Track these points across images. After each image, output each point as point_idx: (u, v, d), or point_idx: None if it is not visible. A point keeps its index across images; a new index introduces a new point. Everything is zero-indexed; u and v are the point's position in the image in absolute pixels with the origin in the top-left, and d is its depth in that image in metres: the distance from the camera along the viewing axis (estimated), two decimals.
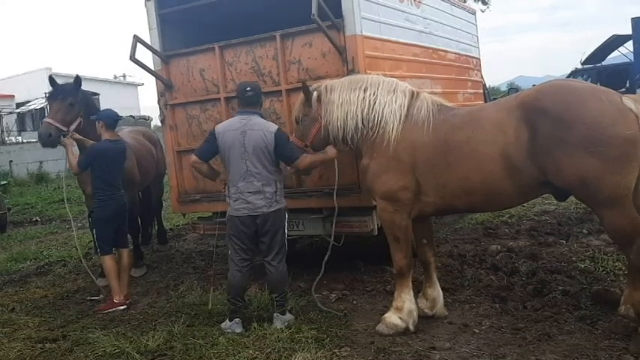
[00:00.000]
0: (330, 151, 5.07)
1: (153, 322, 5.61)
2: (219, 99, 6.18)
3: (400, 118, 4.56)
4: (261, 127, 4.98)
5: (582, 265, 5.80)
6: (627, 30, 19.57)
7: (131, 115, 26.55)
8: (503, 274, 5.84)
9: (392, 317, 4.76)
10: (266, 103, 5.96)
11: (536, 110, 4.01)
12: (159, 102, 6.63)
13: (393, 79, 4.87)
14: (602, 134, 3.79)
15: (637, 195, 3.95)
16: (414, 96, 4.66)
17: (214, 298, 5.93)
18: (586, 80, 20.84)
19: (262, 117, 5.17)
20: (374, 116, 4.63)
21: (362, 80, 4.82)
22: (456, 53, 8.09)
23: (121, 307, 6.09)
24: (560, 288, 5.20)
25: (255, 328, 4.97)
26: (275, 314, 5.13)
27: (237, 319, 5.12)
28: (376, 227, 5.81)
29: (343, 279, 6.19)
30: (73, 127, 6.40)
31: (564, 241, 6.83)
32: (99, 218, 6.18)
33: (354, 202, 5.63)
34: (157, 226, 9.21)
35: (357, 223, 5.73)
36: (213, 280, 6.78)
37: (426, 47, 7.16)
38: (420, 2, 7.08)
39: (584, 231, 7.19)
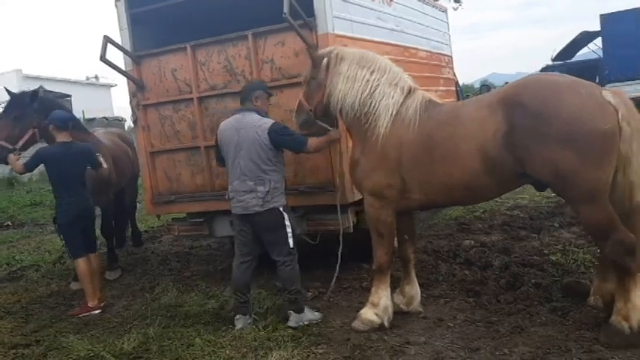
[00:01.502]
0: (335, 132, 5.07)
1: (128, 324, 5.56)
2: (192, 99, 6.14)
3: (391, 115, 4.56)
4: (255, 125, 4.94)
5: (553, 258, 5.91)
6: (596, 26, 19.97)
7: (105, 117, 26.18)
8: (476, 269, 5.92)
9: (367, 313, 4.78)
10: (239, 103, 5.95)
11: (516, 104, 4.01)
12: (131, 103, 6.57)
13: (399, 69, 4.83)
14: (579, 128, 3.79)
15: (615, 189, 3.95)
16: (409, 93, 4.67)
17: (190, 300, 5.92)
18: None
19: (260, 114, 5.07)
20: (370, 103, 4.61)
21: (372, 60, 4.75)
22: (427, 51, 8.16)
23: (96, 312, 6.02)
24: (532, 281, 5.28)
25: (231, 328, 4.97)
26: (289, 312, 5.09)
27: (239, 315, 5.11)
28: (352, 225, 5.84)
29: (319, 277, 6.20)
30: (22, 141, 6.40)
31: (536, 235, 6.95)
32: (62, 223, 6.11)
33: (329, 201, 5.65)
34: (131, 228, 9.12)
35: (332, 221, 5.75)
36: (191, 281, 6.80)
37: (398, 45, 7.21)
38: (391, 1, 7.13)
39: (555, 224, 7.32)
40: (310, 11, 5.48)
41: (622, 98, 3.94)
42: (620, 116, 3.81)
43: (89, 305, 6.06)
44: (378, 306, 4.77)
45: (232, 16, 6.63)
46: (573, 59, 23.03)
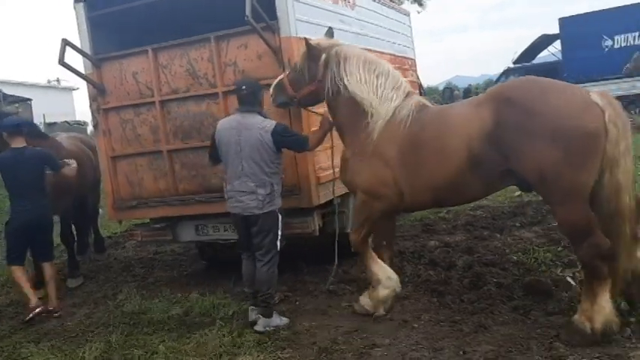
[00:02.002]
0: (326, 121, 5.10)
1: (90, 333, 5.47)
2: (153, 102, 6.05)
3: (388, 117, 4.60)
4: (258, 127, 4.90)
5: (515, 258, 6.01)
6: (556, 29, 20.47)
7: (66, 121, 25.64)
8: (440, 269, 5.98)
9: (379, 290, 4.88)
10: (203, 106, 5.92)
11: (504, 101, 4.04)
12: (91, 106, 6.45)
13: (397, 72, 4.88)
14: (565, 126, 3.80)
15: (602, 189, 3.93)
16: (407, 96, 4.70)
17: (154, 306, 5.83)
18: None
19: (262, 114, 5.06)
20: (375, 108, 4.63)
21: (376, 63, 4.79)
22: (391, 54, 8.21)
23: (37, 310, 5.87)
24: (494, 280, 5.36)
25: (196, 334, 4.91)
26: (257, 316, 5.03)
27: (251, 307, 5.13)
28: (317, 228, 5.85)
29: (286, 280, 6.18)
30: None
31: (498, 235, 7.06)
32: (9, 229, 6.02)
33: (295, 204, 5.64)
34: (93, 235, 8.94)
35: (298, 224, 5.74)
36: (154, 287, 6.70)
37: (363, 49, 7.23)
38: (354, 4, 7.16)
39: (516, 224, 7.46)
40: (273, 14, 5.46)
41: (609, 100, 3.94)
42: (606, 117, 3.81)
43: (30, 306, 5.92)
44: (381, 281, 4.87)
45: (195, 19, 6.56)
46: (534, 62, 23.54)
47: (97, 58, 6.27)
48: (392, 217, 5.13)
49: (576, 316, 4.09)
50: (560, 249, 6.08)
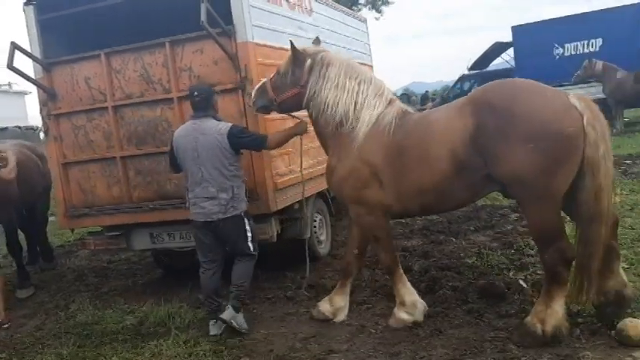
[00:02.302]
0: (302, 125, 5.08)
1: (41, 345, 5.33)
2: (106, 108, 5.93)
3: (371, 124, 4.56)
4: (214, 131, 4.88)
5: (470, 261, 6.11)
6: (509, 37, 20.98)
7: (17, 126, 24.82)
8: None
9: (399, 312, 4.77)
10: (157, 111, 5.83)
11: (483, 104, 4.04)
12: (41, 112, 6.28)
13: (380, 79, 4.84)
14: (543, 129, 3.79)
15: (582, 192, 3.92)
16: (390, 103, 4.66)
17: (107, 316, 5.70)
18: (473, 85, 22.19)
19: (216, 118, 5.03)
20: (357, 115, 4.59)
21: (357, 70, 4.74)
22: None
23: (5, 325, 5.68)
24: (449, 284, 5.43)
25: (150, 344, 4.82)
26: (228, 306, 4.96)
27: (212, 321, 5.04)
28: (275, 234, 5.82)
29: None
30: None
31: (454, 239, 7.16)
32: None
33: (253, 210, 5.59)
34: (41, 244, 8.65)
35: (257, 230, 5.71)
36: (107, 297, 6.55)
37: None
38: (311, 11, 7.19)
39: (471, 228, 7.57)
40: (229, 19, 5.43)
41: (587, 103, 3.94)
42: (585, 121, 3.80)
43: None
44: (405, 304, 4.75)
45: (151, 24, 6.45)
46: (488, 69, 24.08)
47: (48, 62, 6.11)
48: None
49: (528, 318, 4.16)
50: (512, 252, 6.21)
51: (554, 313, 4.01)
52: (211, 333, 4.97)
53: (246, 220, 5.04)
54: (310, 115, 4.93)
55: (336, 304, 5.08)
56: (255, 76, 5.46)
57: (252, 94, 5.07)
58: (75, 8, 5.94)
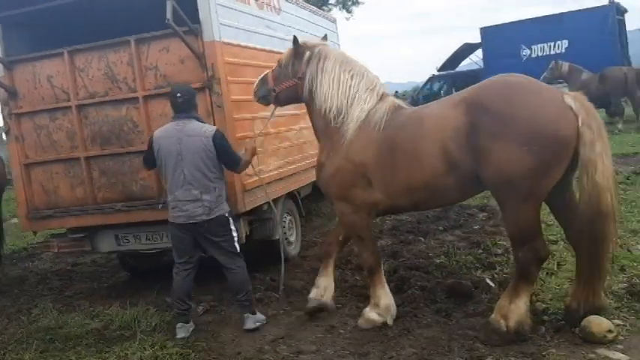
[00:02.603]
0: (250, 154, 5.10)
1: (2, 350, 5.14)
2: (70, 107, 5.79)
3: (360, 120, 4.54)
4: (199, 133, 4.81)
5: (438, 261, 6.14)
6: (478, 38, 21.28)
7: None
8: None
9: (370, 313, 4.74)
10: (122, 111, 5.72)
11: (477, 103, 4.00)
12: (2, 111, 6.12)
13: (374, 74, 4.79)
14: (537, 132, 3.75)
15: (581, 194, 3.90)
16: (381, 98, 4.64)
17: (71, 320, 5.57)
18: (442, 86, 22.42)
19: (199, 120, 4.98)
20: (347, 110, 4.58)
21: (351, 64, 4.72)
22: None
23: None
24: (418, 284, 5.44)
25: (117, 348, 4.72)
26: (245, 315, 4.99)
27: (179, 324, 4.97)
28: (244, 235, 5.77)
29: (212, 290, 6.06)
30: None
31: (422, 239, 7.19)
32: None
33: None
34: None
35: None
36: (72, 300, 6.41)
37: None
38: (280, 10, 7.15)
39: (440, 228, 7.62)
40: (196, 18, 5.36)
41: (582, 103, 3.88)
42: (580, 121, 3.76)
43: None
44: (379, 306, 4.74)
45: (116, 22, 6.34)
46: (457, 69, 24.38)
47: (9, 60, 5.95)
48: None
49: (492, 315, 4.18)
50: (480, 252, 6.27)
51: (517, 309, 4.03)
52: (179, 336, 4.91)
53: (231, 220, 5.02)
54: (307, 108, 4.95)
55: (321, 285, 5.12)
56: (223, 76, 5.42)
57: (255, 83, 5.17)
58: (37, 5, 5.78)
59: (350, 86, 4.62)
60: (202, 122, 4.99)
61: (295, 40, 4.84)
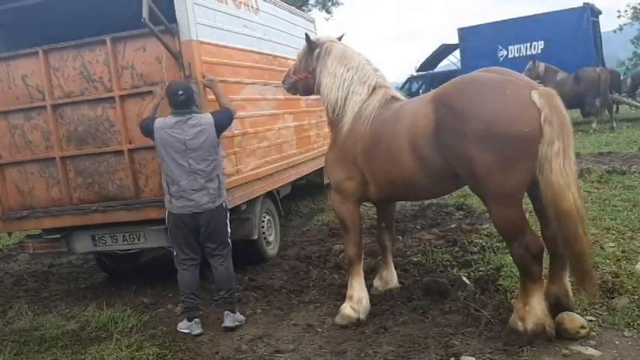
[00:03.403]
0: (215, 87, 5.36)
1: None
2: (45, 106, 5.73)
3: (354, 112, 4.66)
4: (201, 123, 4.90)
5: (415, 259, 6.18)
6: (456, 39, 21.45)
7: None
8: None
9: (345, 308, 4.81)
10: (98, 110, 5.67)
11: (442, 102, 4.03)
12: None
13: (371, 67, 4.87)
14: (496, 131, 3.74)
15: (541, 192, 3.88)
16: (374, 90, 4.73)
17: (47, 322, 5.51)
18: (421, 86, 22.57)
19: (197, 112, 5.06)
20: (345, 103, 4.73)
21: (349, 58, 4.87)
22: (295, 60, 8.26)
23: None
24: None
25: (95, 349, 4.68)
26: (225, 312, 5.01)
27: (196, 319, 4.99)
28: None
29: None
30: None
31: (400, 237, 7.23)
32: None
33: None
34: None
35: None
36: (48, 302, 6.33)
37: (266, 54, 7.24)
38: (258, 9, 7.15)
39: (417, 226, 7.68)
40: (173, 17, 5.34)
41: (548, 99, 3.79)
42: (542, 118, 3.71)
43: None
44: (352, 298, 4.81)
45: (93, 22, 6.28)
46: (435, 70, 24.54)
47: None
48: (386, 204, 5.29)
49: (511, 317, 4.14)
50: (457, 250, 6.33)
51: (532, 310, 3.99)
52: (195, 332, 4.94)
53: (227, 209, 5.13)
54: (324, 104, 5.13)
55: (384, 277, 5.39)
56: (200, 75, 5.40)
57: (284, 76, 5.59)
58: (12, 4, 5.71)
59: (344, 80, 4.79)
60: (199, 113, 5.07)
61: (307, 37, 5.10)
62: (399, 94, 4.87)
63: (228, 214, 5.16)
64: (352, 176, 4.72)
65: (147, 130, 4.99)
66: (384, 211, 5.36)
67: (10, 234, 6.78)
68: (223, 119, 5.09)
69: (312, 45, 5.08)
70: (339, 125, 4.79)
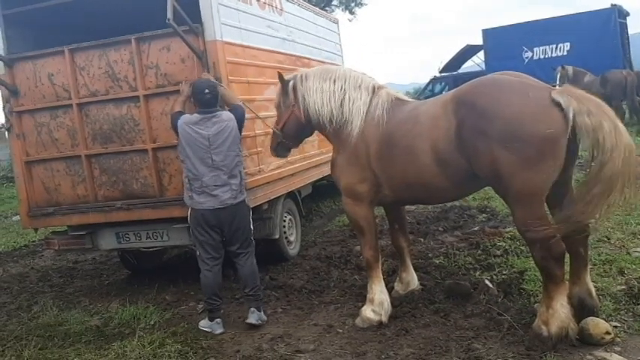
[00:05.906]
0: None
1: (1, 347, 5.15)
2: (70, 105, 5.81)
3: (362, 115, 4.66)
4: (224, 119, 4.94)
5: (437, 261, 6.14)
6: (480, 41, 21.26)
7: None
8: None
9: (366, 310, 4.81)
10: (123, 110, 5.74)
11: (464, 102, 4.03)
12: (4, 109, 6.15)
13: (359, 73, 4.91)
14: (519, 131, 3.75)
15: (563, 191, 3.95)
16: (374, 92, 4.74)
17: (71, 317, 5.59)
18: (443, 88, 22.42)
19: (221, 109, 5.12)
20: (343, 110, 4.73)
21: (331, 71, 4.91)
22: (319, 61, 8.27)
23: None
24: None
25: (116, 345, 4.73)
26: (251, 309, 5.04)
27: (218, 319, 5.04)
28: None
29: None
30: None
31: (422, 239, 7.19)
32: None
33: None
34: None
35: None
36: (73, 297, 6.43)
37: (290, 54, 7.27)
38: (282, 10, 7.17)
39: (439, 229, 7.62)
40: (198, 17, 5.38)
41: (572, 93, 3.79)
42: (572, 114, 3.67)
43: None
44: (374, 302, 4.81)
45: (118, 22, 6.37)
46: (459, 71, 24.33)
47: (10, 57, 5.97)
48: (397, 207, 5.25)
49: (535, 321, 4.10)
50: (479, 253, 6.26)
51: (555, 314, 3.93)
52: (217, 332, 4.98)
53: (249, 206, 5.19)
54: (317, 127, 5.08)
55: (404, 280, 5.33)
56: (224, 75, 5.43)
57: (270, 147, 5.40)
58: (41, 3, 5.81)
59: (333, 90, 4.78)
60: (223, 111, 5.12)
61: (280, 75, 5.03)
62: (402, 95, 4.89)
63: (251, 212, 5.18)
64: (364, 179, 4.68)
65: (174, 123, 5.03)
66: (394, 213, 5.29)
67: (36, 230, 6.89)
68: (240, 115, 5.10)
69: (283, 82, 5.03)
70: (344, 131, 4.74)
